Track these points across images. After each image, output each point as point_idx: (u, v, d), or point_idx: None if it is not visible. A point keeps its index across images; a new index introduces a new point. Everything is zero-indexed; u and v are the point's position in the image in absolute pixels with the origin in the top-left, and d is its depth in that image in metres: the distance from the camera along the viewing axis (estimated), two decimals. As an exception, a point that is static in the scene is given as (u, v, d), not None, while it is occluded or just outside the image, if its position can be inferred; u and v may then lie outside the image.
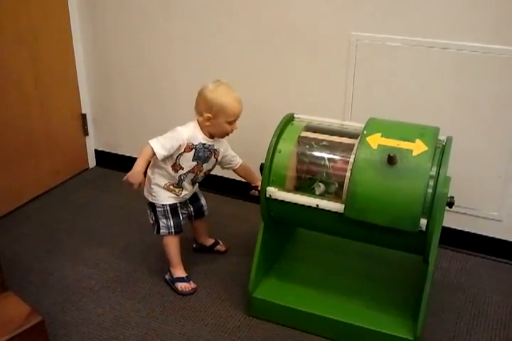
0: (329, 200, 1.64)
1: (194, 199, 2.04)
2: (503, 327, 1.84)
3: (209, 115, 1.81)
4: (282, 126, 1.74)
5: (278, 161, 1.70)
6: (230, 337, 1.79)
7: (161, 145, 1.79)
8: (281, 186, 1.71)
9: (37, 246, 2.23)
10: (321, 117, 1.83)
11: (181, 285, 1.98)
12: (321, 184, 1.70)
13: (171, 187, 1.91)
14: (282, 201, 1.70)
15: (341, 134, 1.75)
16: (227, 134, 1.86)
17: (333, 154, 1.70)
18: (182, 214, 1.99)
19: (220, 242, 2.23)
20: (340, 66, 2.13)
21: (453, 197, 1.73)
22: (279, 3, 2.16)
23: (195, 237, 2.19)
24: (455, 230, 2.20)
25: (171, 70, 2.51)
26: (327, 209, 1.64)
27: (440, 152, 1.59)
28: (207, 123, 1.83)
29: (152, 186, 1.93)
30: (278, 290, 1.87)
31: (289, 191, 1.70)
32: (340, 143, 1.71)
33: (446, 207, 1.73)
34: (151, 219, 1.98)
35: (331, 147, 1.72)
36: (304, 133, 1.75)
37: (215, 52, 2.35)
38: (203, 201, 2.07)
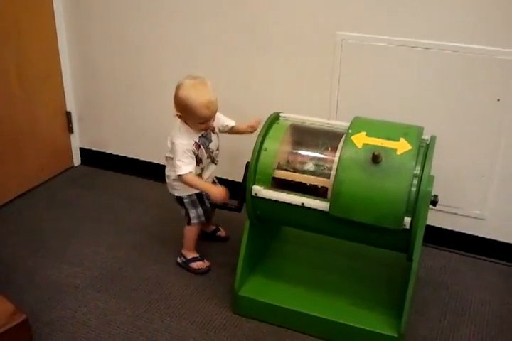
0: (314, 199, 1.65)
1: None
2: (486, 324, 1.87)
3: (179, 113, 1.84)
4: (268, 125, 1.75)
5: (264, 160, 1.70)
6: (215, 335, 1.80)
7: (186, 167, 1.85)
8: (267, 184, 1.71)
9: (21, 245, 2.22)
10: (306, 116, 1.84)
11: (197, 264, 2.06)
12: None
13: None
14: (268, 199, 1.71)
15: (327, 133, 1.76)
16: (205, 130, 1.88)
17: (319, 153, 1.71)
18: (207, 201, 2.02)
19: (221, 228, 2.25)
20: (325, 65, 2.14)
21: (437, 196, 1.75)
22: (264, 2, 2.16)
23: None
24: (439, 228, 2.22)
25: (158, 68, 2.50)
26: (312, 207, 1.65)
27: (424, 151, 1.61)
28: (183, 119, 1.85)
29: (174, 182, 1.97)
30: (264, 288, 1.87)
31: (274, 189, 1.71)
32: (326, 141, 1.72)
33: (430, 206, 1.75)
34: (182, 213, 2.03)
35: (316, 146, 1.72)
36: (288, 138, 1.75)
37: (202, 51, 2.35)
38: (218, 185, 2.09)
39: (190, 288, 2.00)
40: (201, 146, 1.89)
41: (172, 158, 1.91)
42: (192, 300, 1.94)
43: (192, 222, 2.02)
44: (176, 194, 2.00)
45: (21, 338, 1.57)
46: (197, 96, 1.78)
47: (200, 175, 1.96)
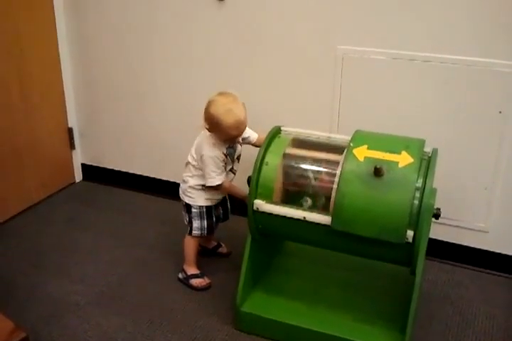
0: (316, 213, 1.64)
1: (223, 202, 2.08)
2: (491, 339, 1.84)
3: (207, 127, 1.86)
4: (269, 139, 1.75)
5: (265, 174, 1.70)
6: (217, 351, 1.78)
7: (220, 176, 1.90)
8: (269, 199, 1.71)
9: (22, 261, 2.21)
10: (308, 130, 1.84)
11: (196, 281, 2.04)
12: (308, 198, 1.71)
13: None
14: (269, 214, 1.70)
15: (328, 147, 1.76)
16: (231, 144, 1.91)
17: (320, 166, 1.71)
18: (214, 216, 2.04)
19: (223, 245, 2.24)
20: (327, 79, 2.14)
21: (439, 209, 1.74)
22: (266, 16, 2.17)
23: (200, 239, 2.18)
24: (442, 242, 2.20)
25: (159, 84, 2.51)
26: (314, 221, 1.64)
27: (426, 164, 1.60)
28: (211, 132, 1.87)
29: (189, 189, 1.98)
30: (266, 304, 1.86)
31: (276, 204, 1.70)
32: (327, 155, 1.71)
33: (433, 219, 1.74)
34: (185, 221, 2.03)
35: (318, 160, 1.72)
36: (290, 149, 1.75)
37: (202, 66, 2.36)
38: (229, 204, 2.11)
39: (191, 303, 1.98)
40: (228, 157, 1.92)
41: (194, 166, 1.94)
42: (193, 316, 1.92)
43: (193, 232, 2.01)
44: (186, 201, 2.00)
45: (21, 356, 1.55)
46: (228, 116, 1.79)
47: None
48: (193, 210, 1.99)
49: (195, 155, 1.94)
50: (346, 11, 2.03)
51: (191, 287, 2.05)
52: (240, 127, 1.83)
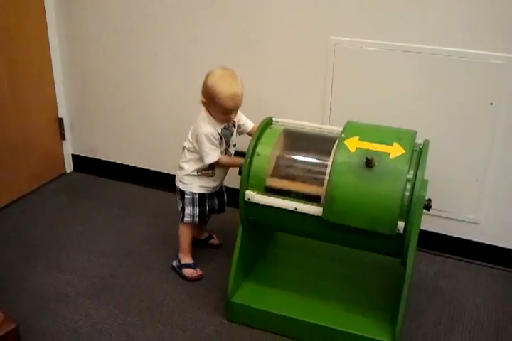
0: (308, 203, 1.64)
1: (220, 193, 2.08)
2: (482, 330, 1.85)
3: (203, 100, 1.87)
4: (261, 130, 1.74)
5: (256, 165, 1.69)
6: (208, 342, 1.78)
7: (215, 153, 1.90)
8: (260, 190, 1.70)
9: (12, 252, 2.19)
10: (299, 121, 1.84)
11: (188, 271, 2.05)
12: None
13: (204, 171, 1.96)
14: (261, 205, 1.69)
15: (319, 138, 1.76)
16: (225, 122, 1.90)
17: (312, 157, 1.70)
18: (208, 205, 2.03)
19: (214, 236, 2.24)
20: (318, 70, 2.13)
21: (430, 200, 1.73)
22: (257, 7, 2.16)
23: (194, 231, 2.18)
24: (432, 233, 2.21)
25: (151, 72, 2.48)
26: (306, 212, 1.64)
27: (417, 155, 1.60)
28: (207, 107, 1.88)
29: (184, 175, 1.98)
30: (257, 295, 1.86)
31: (267, 195, 1.70)
32: (319, 146, 1.71)
33: (424, 210, 1.74)
34: (179, 207, 2.03)
35: (309, 150, 1.71)
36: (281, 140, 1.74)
37: (196, 56, 2.34)
38: (225, 196, 2.11)
39: (182, 295, 1.98)
40: (222, 138, 1.91)
41: (190, 150, 1.94)
42: (184, 307, 1.92)
43: (185, 218, 2.01)
44: (181, 187, 2.00)
45: (11, 347, 1.55)
46: (224, 86, 1.81)
47: (213, 169, 1.97)
48: (186, 197, 1.99)
49: (191, 138, 1.94)
50: (339, 0, 2.02)
51: (182, 276, 2.06)
52: (236, 99, 1.82)
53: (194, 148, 1.93)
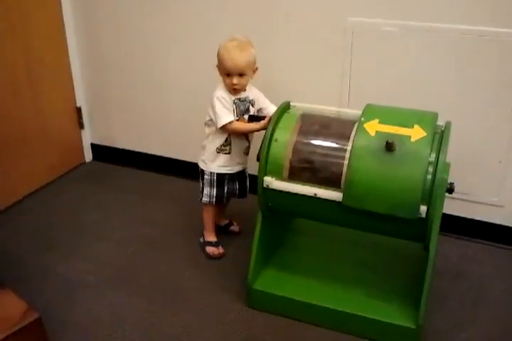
0: (327, 189, 1.62)
1: (242, 178, 2.09)
2: (506, 314, 1.83)
3: (217, 64, 1.90)
4: (278, 115, 1.71)
5: (275, 151, 1.67)
6: (230, 328, 1.77)
7: (228, 116, 1.88)
8: (279, 176, 1.68)
9: (33, 243, 2.21)
10: (317, 105, 1.81)
11: (209, 249, 2.10)
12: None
13: (222, 147, 1.97)
14: (280, 191, 1.67)
15: (338, 122, 1.73)
16: (231, 88, 1.89)
17: (331, 142, 1.67)
18: (227, 188, 2.05)
19: (234, 223, 2.25)
20: (336, 53, 2.10)
21: (453, 184, 1.70)
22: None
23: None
24: (456, 216, 2.18)
25: (168, 60, 2.47)
26: (325, 198, 1.61)
27: (439, 137, 1.57)
28: (219, 72, 1.90)
29: (205, 154, 2.01)
30: (277, 281, 1.85)
31: (286, 180, 1.67)
32: (338, 130, 1.68)
33: (446, 194, 1.71)
34: (200, 187, 2.06)
35: (328, 135, 1.68)
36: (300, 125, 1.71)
37: (210, 40, 2.28)
38: (247, 183, 2.11)
39: (203, 282, 1.98)
40: (234, 106, 1.91)
41: (207, 124, 1.96)
42: (206, 294, 1.92)
43: (203, 199, 2.05)
44: (201, 166, 2.03)
45: (35, 337, 1.56)
46: (230, 48, 1.85)
47: (229, 145, 1.96)
48: (205, 177, 2.02)
49: (210, 111, 1.94)
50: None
51: (205, 254, 2.10)
52: (233, 61, 1.83)
53: (211, 120, 1.93)
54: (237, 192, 2.09)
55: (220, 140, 1.95)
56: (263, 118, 1.86)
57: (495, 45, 1.86)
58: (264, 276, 1.85)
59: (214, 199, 2.04)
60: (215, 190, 2.02)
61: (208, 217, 2.10)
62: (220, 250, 2.10)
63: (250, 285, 1.81)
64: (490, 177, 2.07)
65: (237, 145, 1.97)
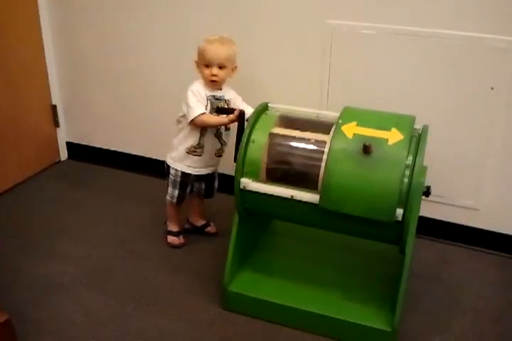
0: (304, 191, 1.61)
1: (210, 179, 2.09)
2: (482, 318, 1.83)
3: (196, 60, 1.90)
4: (256, 116, 1.70)
5: (252, 152, 1.66)
6: (205, 331, 1.76)
7: (199, 108, 1.86)
8: (256, 177, 1.67)
9: (6, 242, 2.16)
10: (296, 106, 1.80)
11: (170, 238, 2.14)
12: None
13: (193, 148, 1.95)
14: (257, 192, 1.66)
15: (316, 124, 1.72)
16: (209, 81, 1.88)
17: (308, 144, 1.66)
18: (193, 187, 2.07)
19: (212, 224, 2.23)
20: (315, 55, 2.09)
21: (429, 187, 1.71)
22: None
23: (189, 215, 2.22)
24: (432, 219, 2.18)
25: (145, 58, 2.44)
26: (302, 200, 1.61)
27: (416, 141, 1.57)
28: (199, 71, 1.90)
29: (174, 153, 2.00)
30: (254, 283, 1.83)
31: (263, 182, 1.66)
32: (316, 132, 1.67)
33: (423, 197, 1.71)
34: (167, 183, 2.07)
35: (305, 137, 1.67)
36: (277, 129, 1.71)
37: (189, 39, 2.27)
38: (216, 184, 2.12)
39: (178, 283, 1.96)
40: (209, 102, 1.89)
41: (179, 120, 1.95)
42: (180, 296, 1.90)
43: (166, 197, 2.07)
44: (167, 162, 2.03)
45: (4, 338, 1.52)
46: (211, 40, 1.87)
47: (202, 148, 1.95)
48: (170, 176, 2.02)
49: (183, 106, 1.92)
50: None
51: (166, 243, 2.14)
52: (214, 50, 1.84)
53: (184, 116, 1.92)
54: (204, 192, 2.10)
55: (191, 141, 1.94)
56: (232, 111, 1.84)
57: (475, 50, 1.87)
58: (240, 278, 1.84)
59: (175, 200, 2.05)
60: (177, 191, 2.03)
61: (171, 210, 2.12)
62: (181, 240, 2.13)
63: (226, 286, 1.80)
64: (466, 180, 2.08)
65: (209, 147, 1.96)
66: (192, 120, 1.86)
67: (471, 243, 2.18)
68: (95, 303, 1.86)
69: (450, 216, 2.17)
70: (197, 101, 1.87)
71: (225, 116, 1.86)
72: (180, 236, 2.14)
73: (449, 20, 1.88)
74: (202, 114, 1.85)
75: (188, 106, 1.87)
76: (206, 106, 1.89)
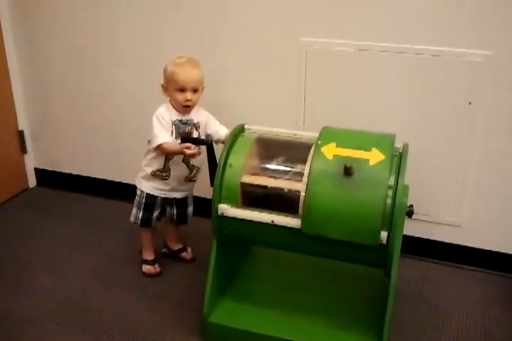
0: (285, 216, 1.55)
1: (182, 204, 2.02)
2: (468, 337, 1.79)
3: (162, 84, 1.84)
4: (233, 139, 1.65)
5: (229, 176, 1.60)
6: (185, 366, 1.68)
7: (163, 135, 1.81)
8: (234, 202, 1.61)
9: (-29, 276, 2.06)
10: (273, 127, 1.75)
11: (145, 267, 2.06)
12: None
13: (158, 172, 1.90)
14: (235, 218, 1.60)
15: (295, 145, 1.68)
16: (183, 106, 1.82)
17: (287, 166, 1.62)
18: (165, 212, 2.02)
19: (189, 249, 2.17)
20: (290, 73, 2.06)
21: (412, 206, 1.67)
22: (224, 6, 2.08)
23: (165, 239, 2.16)
24: (413, 237, 2.15)
25: (114, 83, 2.40)
26: (283, 225, 1.55)
27: (397, 160, 1.53)
28: (167, 95, 1.85)
29: (141, 172, 1.95)
30: (235, 313, 1.76)
31: (242, 208, 1.60)
32: (294, 154, 1.63)
33: (406, 217, 1.67)
34: None
35: (285, 159, 1.63)
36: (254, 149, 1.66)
37: (157, 62, 2.24)
38: (190, 209, 2.05)
39: (155, 315, 1.87)
40: (173, 127, 1.83)
41: (148, 143, 1.88)
42: (158, 328, 1.81)
43: (130, 218, 2.01)
44: (135, 183, 1.98)
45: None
46: (179, 63, 1.81)
47: (168, 172, 1.89)
48: (136, 197, 1.97)
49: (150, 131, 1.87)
50: (309, 0, 1.95)
51: (142, 272, 2.06)
52: (186, 74, 1.78)
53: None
54: (175, 217, 2.03)
55: (157, 164, 1.89)
56: (199, 140, 1.79)
57: (450, 64, 1.86)
58: (220, 308, 1.76)
59: (139, 222, 1.99)
60: (141, 212, 1.97)
61: (142, 237, 2.06)
62: (157, 269, 2.06)
63: (206, 318, 1.72)
64: (447, 197, 2.06)
65: (176, 172, 1.91)
66: (154, 148, 1.82)
67: (454, 260, 2.16)
68: (66, 340, 1.76)
69: (432, 233, 2.15)
70: (161, 127, 1.81)
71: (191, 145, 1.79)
72: (156, 265, 2.06)
73: (424, 36, 1.87)
74: (164, 143, 1.80)
75: (152, 133, 1.82)
76: (172, 131, 1.83)
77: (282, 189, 1.59)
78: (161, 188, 1.93)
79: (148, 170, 1.91)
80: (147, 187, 1.93)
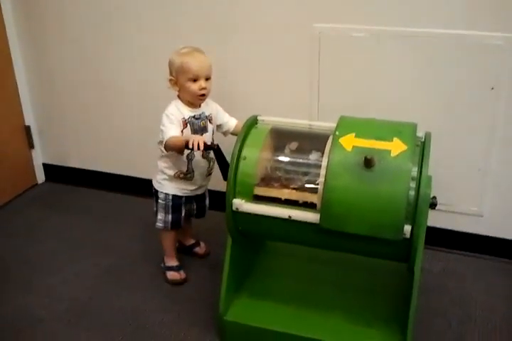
0: (303, 210, 1.49)
1: (201, 198, 1.96)
2: (494, 330, 1.74)
3: (172, 78, 1.78)
4: (246, 131, 1.58)
5: (244, 170, 1.53)
6: (201, 366, 1.63)
7: (170, 131, 1.73)
8: (249, 197, 1.54)
9: (-20, 276, 2.02)
10: (286, 118, 1.69)
11: (170, 274, 1.97)
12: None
13: (182, 175, 1.84)
14: (251, 214, 1.54)
15: (311, 136, 1.62)
16: (199, 96, 1.76)
17: (305, 159, 1.55)
18: (184, 210, 1.92)
19: (202, 244, 2.12)
20: (303, 61, 2.01)
21: (435, 198, 1.60)
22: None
23: (178, 235, 2.07)
24: (434, 228, 2.08)
25: (121, 78, 2.36)
26: (301, 220, 1.49)
27: (420, 150, 1.46)
28: (177, 90, 1.79)
29: (159, 173, 1.87)
30: (251, 310, 1.70)
31: (257, 202, 1.54)
32: (311, 145, 1.56)
33: (429, 209, 1.60)
34: (154, 209, 1.93)
35: (301, 151, 1.57)
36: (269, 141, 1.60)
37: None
38: (207, 201, 2.00)
39: (169, 314, 1.82)
40: (188, 126, 1.77)
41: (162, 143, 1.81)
42: (173, 328, 1.76)
43: (156, 224, 1.91)
44: (156, 187, 1.89)
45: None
46: (187, 52, 1.76)
47: (192, 172, 1.83)
48: (160, 200, 1.88)
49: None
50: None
51: (166, 280, 1.97)
52: (197, 62, 1.73)
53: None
54: (195, 212, 1.97)
55: (180, 167, 1.83)
56: (207, 147, 1.69)
57: (470, 48, 1.79)
58: (236, 305, 1.71)
59: (169, 225, 1.90)
60: (170, 215, 1.89)
61: (167, 243, 1.97)
62: (182, 275, 1.97)
63: (222, 316, 1.66)
64: (469, 186, 2.01)
65: (199, 170, 1.85)
66: (165, 147, 1.76)
67: (476, 250, 2.11)
68: (77, 340, 1.72)
69: (453, 224, 2.10)
70: (171, 124, 1.75)
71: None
72: (181, 271, 1.97)
73: (442, 19, 1.80)
74: (170, 136, 1.73)
75: (161, 130, 1.75)
76: (184, 129, 1.77)
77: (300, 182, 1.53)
78: (187, 188, 1.87)
79: (171, 172, 1.84)
80: (171, 188, 1.86)
